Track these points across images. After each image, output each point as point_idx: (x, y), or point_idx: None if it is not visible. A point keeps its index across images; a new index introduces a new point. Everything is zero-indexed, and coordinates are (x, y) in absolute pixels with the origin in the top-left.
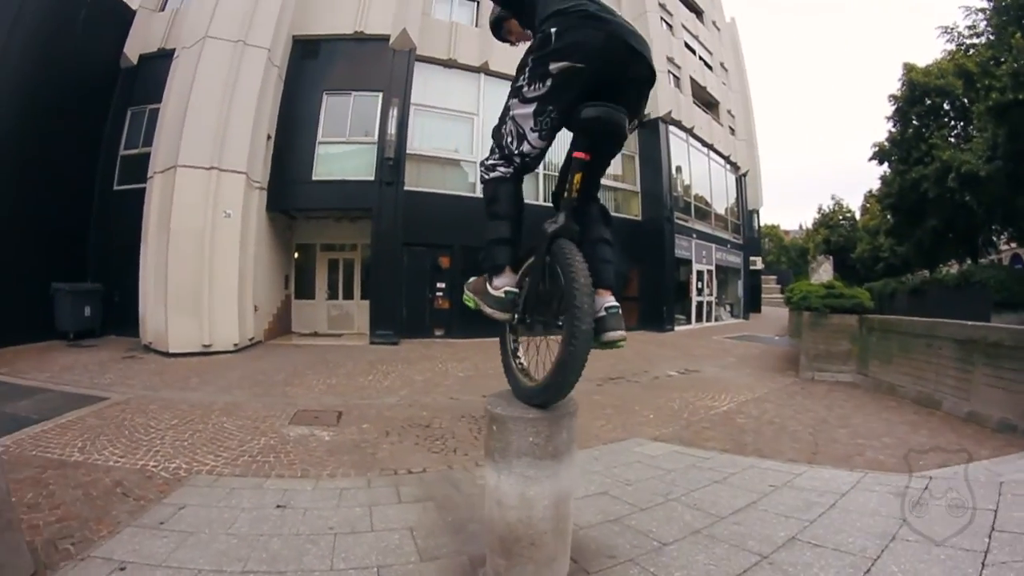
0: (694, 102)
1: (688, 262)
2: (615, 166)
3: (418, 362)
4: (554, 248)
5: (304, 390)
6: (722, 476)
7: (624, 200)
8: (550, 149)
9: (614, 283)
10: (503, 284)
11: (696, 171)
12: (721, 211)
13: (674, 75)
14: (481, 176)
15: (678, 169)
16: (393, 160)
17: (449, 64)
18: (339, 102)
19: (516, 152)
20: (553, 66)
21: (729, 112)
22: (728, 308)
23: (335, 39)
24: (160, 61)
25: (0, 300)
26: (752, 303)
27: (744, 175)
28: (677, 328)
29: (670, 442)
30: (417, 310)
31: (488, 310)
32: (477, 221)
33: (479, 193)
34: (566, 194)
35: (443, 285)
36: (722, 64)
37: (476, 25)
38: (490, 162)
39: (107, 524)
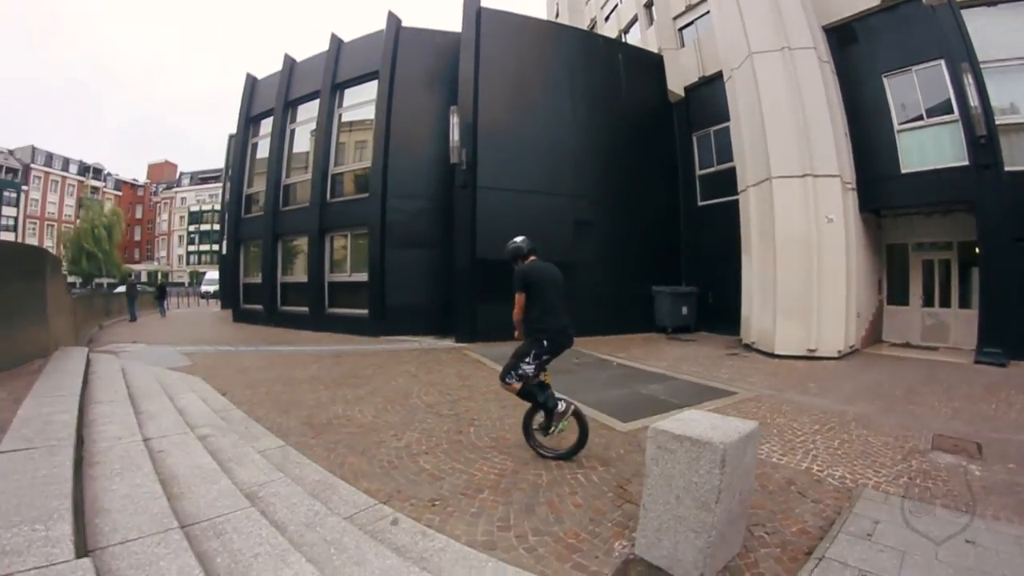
0: None
1: None
2: None
3: None
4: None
5: (928, 410)
6: None
7: None
8: None
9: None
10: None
11: None
12: None
13: None
14: (504, 385)
15: None
16: (986, 137)
17: (992, 1)
18: (901, 82)
19: (524, 376)
20: (545, 357)
21: None
22: None
23: (865, 16)
24: (705, 88)
25: (615, 299)
26: None
27: None
28: None
29: None
30: None
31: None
32: None
33: None
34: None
35: None
36: None
37: None
38: (508, 380)
39: (795, 521)
